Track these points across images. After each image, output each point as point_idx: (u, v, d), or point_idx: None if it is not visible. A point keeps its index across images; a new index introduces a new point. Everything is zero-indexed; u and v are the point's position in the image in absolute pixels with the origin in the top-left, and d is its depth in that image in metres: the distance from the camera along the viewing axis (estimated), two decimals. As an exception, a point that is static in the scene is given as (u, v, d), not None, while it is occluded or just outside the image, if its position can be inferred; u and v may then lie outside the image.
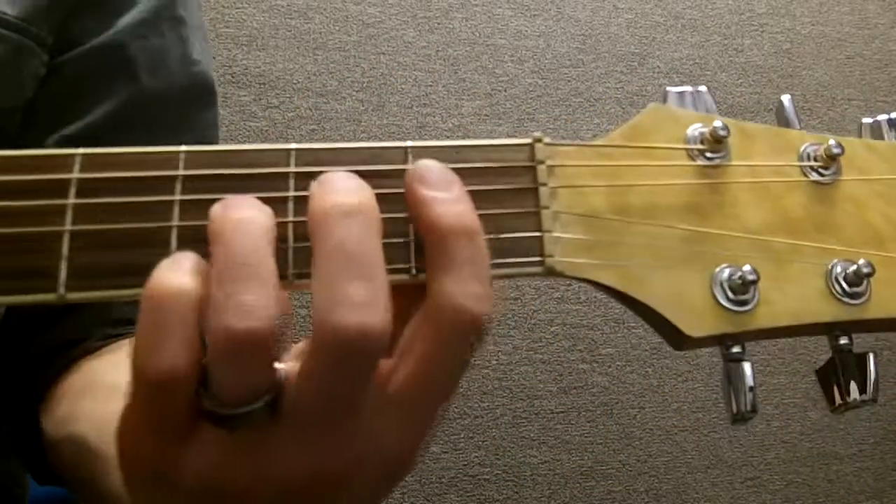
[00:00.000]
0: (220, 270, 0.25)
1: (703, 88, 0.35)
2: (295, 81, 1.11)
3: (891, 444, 1.20)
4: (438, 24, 1.19)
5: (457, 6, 1.21)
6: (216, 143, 0.54)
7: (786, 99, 0.36)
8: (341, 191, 0.27)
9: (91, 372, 0.46)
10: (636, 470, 1.10)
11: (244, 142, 1.06)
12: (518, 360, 1.10)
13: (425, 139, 0.31)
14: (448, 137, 1.14)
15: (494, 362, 1.08)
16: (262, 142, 1.07)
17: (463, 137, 1.15)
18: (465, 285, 0.27)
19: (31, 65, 0.46)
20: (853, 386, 0.33)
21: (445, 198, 0.28)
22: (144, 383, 0.25)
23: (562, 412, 1.09)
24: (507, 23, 1.22)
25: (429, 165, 0.29)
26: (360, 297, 0.25)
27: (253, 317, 0.25)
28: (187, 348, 0.25)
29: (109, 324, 0.48)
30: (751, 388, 0.32)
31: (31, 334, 0.47)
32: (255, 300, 0.25)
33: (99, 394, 0.44)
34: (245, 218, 0.26)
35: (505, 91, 1.19)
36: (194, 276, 0.26)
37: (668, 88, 0.35)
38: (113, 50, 0.49)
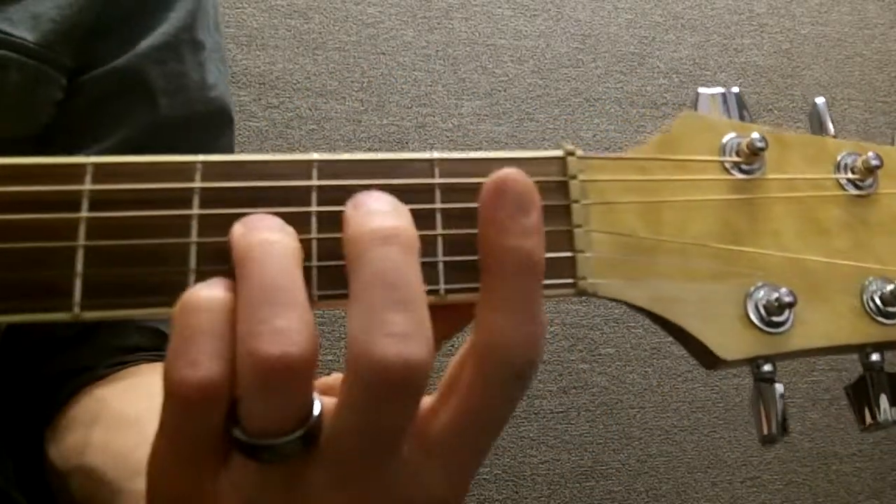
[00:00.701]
0: (250, 295, 0.24)
1: (735, 89, 0.34)
2: (294, 81, 1.11)
3: (890, 444, 1.20)
4: (438, 24, 1.19)
5: (457, 6, 1.21)
6: None
7: (819, 101, 0.35)
8: (378, 214, 0.25)
9: (101, 400, 0.45)
10: (636, 470, 1.10)
11: (244, 142, 1.06)
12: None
13: (449, 149, 0.30)
14: (448, 137, 1.14)
15: (494, 362, 1.08)
16: (262, 142, 1.07)
17: (463, 137, 1.15)
18: (522, 326, 0.25)
19: (48, 91, 0.46)
20: (884, 405, 0.32)
21: (522, 227, 0.26)
22: (177, 399, 0.24)
23: (561, 412, 1.09)
24: (507, 23, 1.22)
25: (511, 179, 0.26)
26: (402, 328, 0.24)
27: (288, 342, 0.23)
28: (221, 361, 0.24)
29: (119, 351, 0.47)
30: (782, 409, 0.31)
31: (38, 360, 0.47)
32: (289, 325, 0.24)
33: (111, 423, 0.43)
34: (272, 240, 0.25)
35: (505, 91, 1.19)
36: (226, 290, 0.25)
37: (700, 90, 0.33)
38: (132, 74, 0.48)
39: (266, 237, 0.25)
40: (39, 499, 0.46)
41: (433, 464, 0.26)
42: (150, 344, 0.48)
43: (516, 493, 1.05)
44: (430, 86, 1.16)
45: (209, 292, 0.25)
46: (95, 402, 0.44)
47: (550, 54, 1.23)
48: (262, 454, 0.25)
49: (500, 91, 1.19)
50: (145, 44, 0.49)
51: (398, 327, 0.24)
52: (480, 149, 1.14)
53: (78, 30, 0.46)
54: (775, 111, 1.28)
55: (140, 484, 0.30)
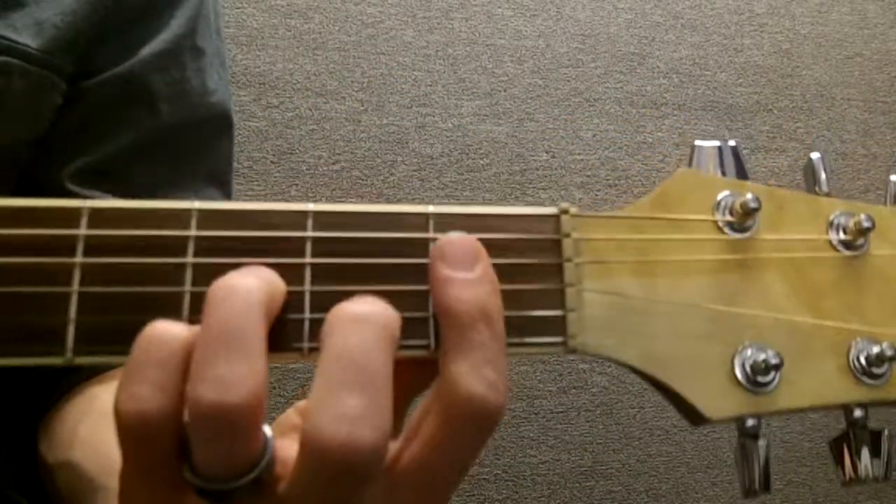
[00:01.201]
0: (205, 338, 0.24)
1: (732, 143, 0.34)
2: (294, 81, 1.11)
3: (890, 444, 1.20)
4: (438, 24, 1.19)
5: (457, 6, 1.21)
6: (230, 172, 0.53)
7: (815, 156, 0.35)
8: (357, 303, 0.25)
9: (92, 397, 0.45)
10: (636, 470, 1.10)
11: (244, 142, 1.06)
12: (518, 360, 1.09)
13: (447, 203, 0.29)
14: (448, 137, 1.14)
15: (494, 362, 1.08)
16: (262, 142, 1.07)
17: (462, 137, 1.15)
18: (479, 372, 0.26)
19: (51, 97, 0.46)
20: (865, 461, 0.33)
21: (466, 278, 0.26)
22: (120, 426, 0.24)
23: (561, 412, 1.09)
24: (507, 23, 1.22)
25: (451, 241, 0.27)
26: (353, 410, 0.23)
27: (226, 390, 0.23)
28: (164, 395, 0.24)
29: None
30: (765, 466, 0.32)
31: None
32: (233, 373, 0.23)
33: (99, 419, 0.43)
34: (238, 286, 0.25)
35: (505, 91, 1.19)
36: (188, 330, 0.25)
37: (697, 143, 0.34)
38: (134, 80, 0.48)
39: (232, 283, 0.25)
40: (38, 499, 0.46)
41: (396, 501, 0.26)
42: None
43: (516, 493, 1.05)
44: (430, 86, 1.16)
45: (167, 326, 0.25)
46: (87, 399, 0.45)
47: (550, 54, 1.23)
48: (212, 496, 0.24)
49: (500, 91, 1.19)
50: (147, 50, 0.48)
51: (350, 410, 0.23)
52: (480, 149, 1.14)
53: (81, 37, 0.46)
54: (775, 111, 1.28)
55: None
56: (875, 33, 1.39)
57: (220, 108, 0.53)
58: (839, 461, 0.33)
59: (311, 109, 1.11)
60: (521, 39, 1.22)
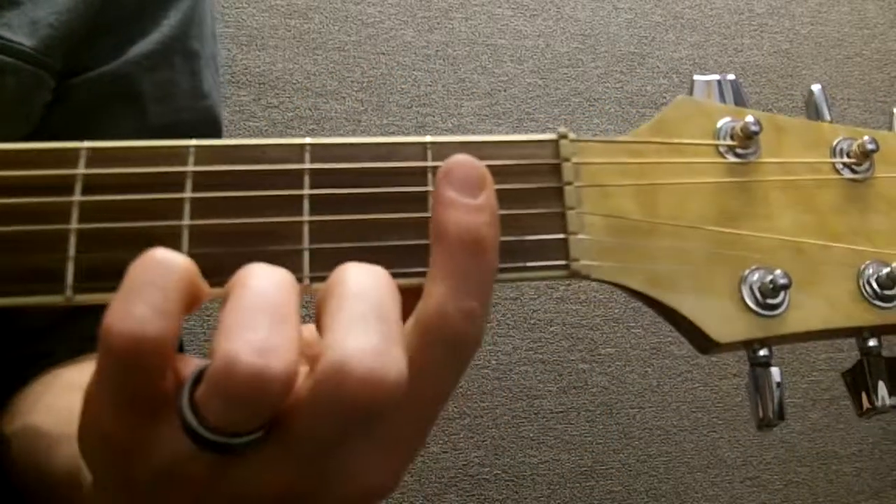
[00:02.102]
0: (244, 298, 0.23)
1: (731, 76, 0.34)
2: (294, 81, 1.11)
3: (890, 444, 1.20)
4: (438, 24, 1.19)
5: (457, 6, 1.21)
6: None
7: (816, 88, 0.34)
8: (358, 264, 0.26)
9: (56, 375, 0.45)
10: (636, 470, 1.10)
11: (244, 142, 1.06)
12: (517, 360, 1.09)
13: (442, 133, 0.30)
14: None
15: (494, 362, 1.08)
16: (262, 142, 1.07)
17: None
18: (460, 299, 0.25)
19: (42, 96, 0.46)
20: (882, 390, 0.31)
21: (465, 203, 0.26)
22: (108, 349, 0.23)
23: (561, 412, 1.09)
24: (506, 23, 1.22)
25: (459, 162, 0.27)
26: (378, 345, 0.24)
27: (272, 358, 0.22)
28: (161, 318, 0.23)
29: (78, 339, 0.46)
30: (779, 393, 0.31)
31: (4, 350, 0.46)
32: (276, 341, 0.23)
33: (63, 390, 0.42)
34: (272, 270, 0.24)
35: (505, 91, 1.19)
36: (189, 260, 0.24)
37: (696, 77, 0.33)
38: (121, 79, 0.48)
39: (265, 267, 0.25)
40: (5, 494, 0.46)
41: (374, 446, 0.26)
42: None
43: (516, 493, 1.05)
44: (430, 86, 1.16)
45: (169, 253, 0.24)
46: (50, 376, 0.44)
47: (550, 54, 1.23)
48: (209, 446, 0.24)
49: (500, 91, 1.19)
50: (136, 50, 0.48)
51: (371, 345, 0.23)
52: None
53: (74, 35, 0.46)
54: (775, 111, 1.27)
55: (72, 442, 0.29)
56: (875, 33, 1.39)
57: (210, 112, 0.52)
58: (855, 393, 0.32)
59: (311, 109, 1.11)
60: (521, 39, 1.22)
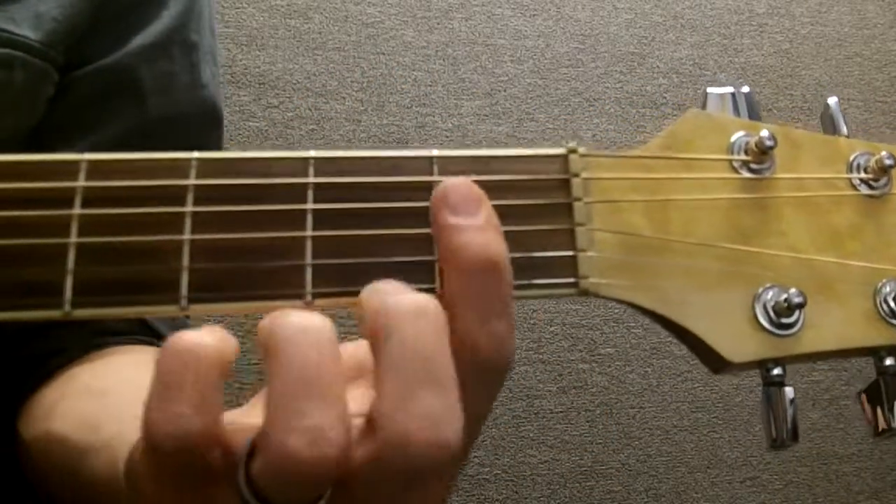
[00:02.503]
0: (283, 378, 0.22)
1: (746, 89, 0.33)
2: (294, 81, 1.11)
3: (890, 444, 1.20)
4: (438, 24, 1.19)
5: (457, 6, 1.21)
6: None
7: (832, 101, 0.33)
8: (404, 290, 0.24)
9: (71, 376, 0.45)
10: (635, 470, 1.10)
11: (244, 142, 1.06)
12: (517, 360, 1.09)
13: (449, 148, 0.28)
14: (448, 137, 1.14)
15: (494, 362, 1.08)
16: (262, 141, 1.07)
17: (462, 137, 1.15)
18: (487, 325, 0.25)
19: (48, 89, 0.46)
20: None
21: (469, 225, 0.25)
22: (155, 449, 0.23)
23: (561, 412, 1.09)
24: (506, 23, 1.22)
25: (453, 186, 0.26)
26: (435, 409, 0.23)
27: (324, 443, 0.22)
28: (203, 411, 0.23)
29: (92, 334, 0.46)
30: (792, 413, 0.30)
31: (16, 344, 0.46)
32: (327, 422, 0.22)
33: (78, 394, 0.42)
34: (308, 321, 0.23)
35: (505, 91, 1.19)
36: (214, 337, 0.23)
37: (709, 90, 0.32)
38: (121, 71, 0.48)
39: (301, 319, 0.23)
40: (19, 492, 0.46)
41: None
42: (130, 329, 0.47)
43: (516, 493, 1.05)
44: (430, 86, 1.16)
45: (196, 339, 0.23)
46: (66, 378, 0.44)
47: (550, 54, 1.23)
48: None
49: (500, 91, 1.19)
50: (136, 42, 0.48)
51: (430, 409, 0.23)
52: (481, 149, 1.14)
53: (77, 29, 0.46)
54: (775, 111, 1.28)
55: (103, 436, 0.29)
56: (875, 33, 1.39)
57: (211, 103, 0.52)
58: (871, 412, 0.32)
59: (311, 109, 1.11)
60: (521, 39, 1.22)
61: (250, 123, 1.08)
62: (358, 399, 0.26)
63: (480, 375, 0.25)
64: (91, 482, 0.35)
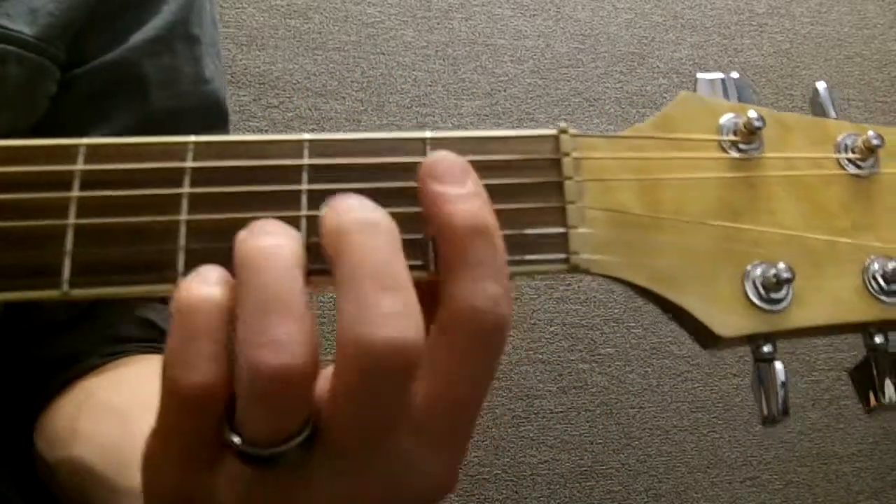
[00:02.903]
0: (249, 302, 0.24)
1: (735, 74, 0.33)
2: (294, 81, 1.11)
3: (890, 444, 1.20)
4: (438, 24, 1.19)
5: (457, 6, 1.21)
6: None
7: (820, 86, 0.34)
8: (358, 207, 0.25)
9: (88, 391, 0.45)
10: (635, 470, 1.10)
11: (244, 142, 1.06)
12: (517, 360, 1.10)
13: (441, 129, 0.30)
14: (448, 137, 1.14)
15: (494, 362, 1.08)
16: (262, 142, 1.07)
17: (463, 137, 1.15)
18: (482, 287, 0.25)
19: (46, 85, 0.46)
20: (889, 388, 0.31)
21: (458, 193, 0.26)
22: (177, 399, 0.24)
23: (561, 412, 1.09)
24: (506, 23, 1.22)
25: (439, 158, 0.27)
26: (391, 309, 0.24)
27: (287, 352, 0.23)
28: (218, 364, 0.24)
29: (110, 341, 0.46)
30: (783, 389, 0.31)
31: (31, 344, 0.46)
32: (289, 335, 0.23)
33: (98, 414, 0.42)
34: (272, 245, 0.25)
35: (505, 91, 1.19)
36: (222, 287, 0.25)
37: (699, 75, 0.33)
38: (124, 67, 0.48)
39: (266, 242, 0.25)
40: (34, 497, 0.46)
41: (420, 440, 0.26)
42: (143, 335, 0.48)
43: (516, 493, 1.05)
44: (430, 86, 1.16)
45: (208, 291, 0.24)
46: (83, 393, 0.44)
47: (550, 54, 1.23)
48: (258, 463, 0.24)
49: (500, 91, 1.19)
50: (138, 37, 0.48)
51: (388, 308, 0.24)
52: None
53: (75, 24, 0.46)
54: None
55: (132, 479, 0.29)
56: (875, 33, 1.39)
57: (215, 97, 0.52)
58: (862, 389, 0.32)
59: (311, 109, 1.11)
60: (521, 39, 1.22)
61: (250, 123, 1.08)
62: None
63: (483, 343, 0.26)
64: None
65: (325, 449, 0.25)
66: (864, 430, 1.19)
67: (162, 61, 0.49)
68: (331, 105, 1.12)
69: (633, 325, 1.14)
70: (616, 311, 1.13)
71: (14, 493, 0.48)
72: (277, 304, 0.24)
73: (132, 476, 0.33)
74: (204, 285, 0.25)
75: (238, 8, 1.12)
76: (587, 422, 1.10)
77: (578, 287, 1.13)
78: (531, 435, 1.08)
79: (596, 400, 1.11)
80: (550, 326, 1.12)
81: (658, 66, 1.26)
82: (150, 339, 0.48)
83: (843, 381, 1.21)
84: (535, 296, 1.12)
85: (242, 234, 0.25)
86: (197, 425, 0.25)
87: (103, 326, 0.46)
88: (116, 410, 0.42)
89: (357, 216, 0.25)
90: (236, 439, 0.24)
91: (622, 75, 1.24)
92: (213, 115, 0.52)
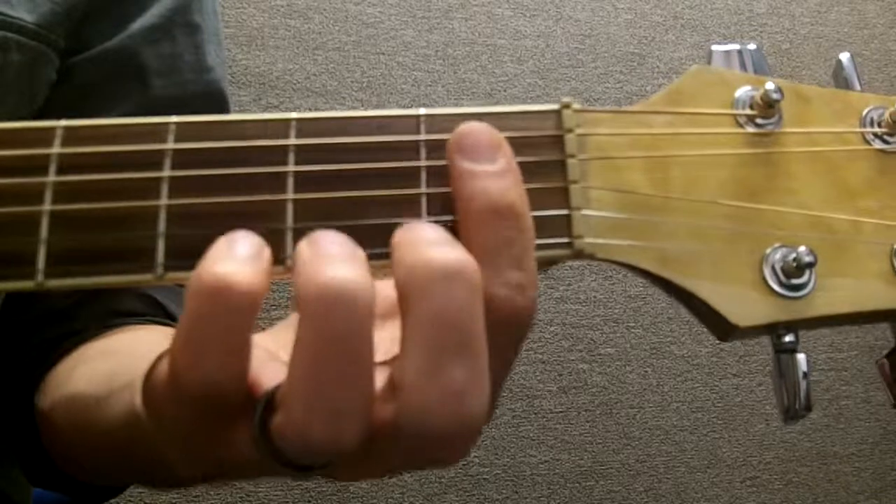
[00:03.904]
0: (312, 362, 0.21)
1: (752, 46, 0.31)
2: (295, 81, 1.11)
3: (889, 444, 1.20)
4: (438, 24, 1.19)
5: (457, 6, 1.21)
6: None
7: (844, 57, 0.32)
8: (436, 243, 0.22)
9: (85, 349, 0.45)
10: (635, 470, 1.10)
11: (244, 142, 1.06)
12: (518, 360, 1.09)
13: (437, 108, 0.27)
14: (448, 137, 1.14)
15: (494, 362, 1.09)
16: (262, 142, 1.07)
17: (463, 137, 1.15)
18: (503, 275, 0.23)
19: (47, 73, 0.45)
20: None
21: (485, 170, 0.24)
22: (187, 394, 0.23)
23: (561, 412, 1.09)
24: (506, 23, 1.22)
25: (466, 131, 0.25)
26: (462, 384, 0.22)
27: (344, 428, 0.21)
28: (235, 358, 0.22)
29: (108, 315, 0.46)
30: (805, 382, 0.28)
31: (32, 332, 0.46)
32: (348, 404, 0.21)
33: (95, 358, 0.42)
34: (349, 290, 0.21)
35: (505, 91, 1.19)
36: (253, 265, 0.22)
37: (714, 47, 0.31)
38: (124, 54, 0.48)
39: (344, 284, 0.22)
40: (34, 470, 0.46)
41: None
42: (146, 310, 0.47)
43: (516, 493, 1.05)
44: (430, 86, 1.16)
45: (235, 278, 0.22)
46: (80, 352, 0.44)
47: (550, 54, 1.23)
48: (284, 467, 0.23)
49: (500, 91, 1.19)
50: (137, 25, 0.48)
51: (458, 384, 0.22)
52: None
53: (75, 12, 0.46)
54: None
55: (121, 395, 0.28)
56: (875, 33, 1.39)
57: (216, 85, 0.52)
58: (893, 380, 0.30)
59: (310, 109, 1.11)
60: (521, 39, 1.22)
61: (250, 123, 1.09)
62: (387, 341, 0.25)
63: (503, 332, 0.24)
64: (108, 430, 0.35)
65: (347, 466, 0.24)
66: (864, 430, 1.19)
67: (161, 49, 0.49)
68: (331, 105, 1.12)
69: (633, 325, 1.14)
70: (616, 311, 1.13)
71: (22, 478, 0.48)
72: (341, 364, 0.21)
73: (118, 382, 0.32)
74: (230, 263, 0.22)
75: (238, 8, 1.12)
76: (587, 422, 1.10)
77: (578, 287, 1.13)
78: (531, 435, 1.08)
79: (596, 400, 1.11)
80: (550, 326, 1.12)
81: (658, 66, 1.26)
82: (152, 314, 0.47)
83: (844, 381, 1.21)
84: (535, 296, 1.12)
85: (306, 271, 0.22)
86: (203, 408, 0.23)
87: (104, 302, 0.46)
88: (110, 351, 0.41)
89: (439, 262, 0.22)
90: (260, 440, 0.23)
91: (622, 75, 1.24)
92: (215, 104, 0.52)
